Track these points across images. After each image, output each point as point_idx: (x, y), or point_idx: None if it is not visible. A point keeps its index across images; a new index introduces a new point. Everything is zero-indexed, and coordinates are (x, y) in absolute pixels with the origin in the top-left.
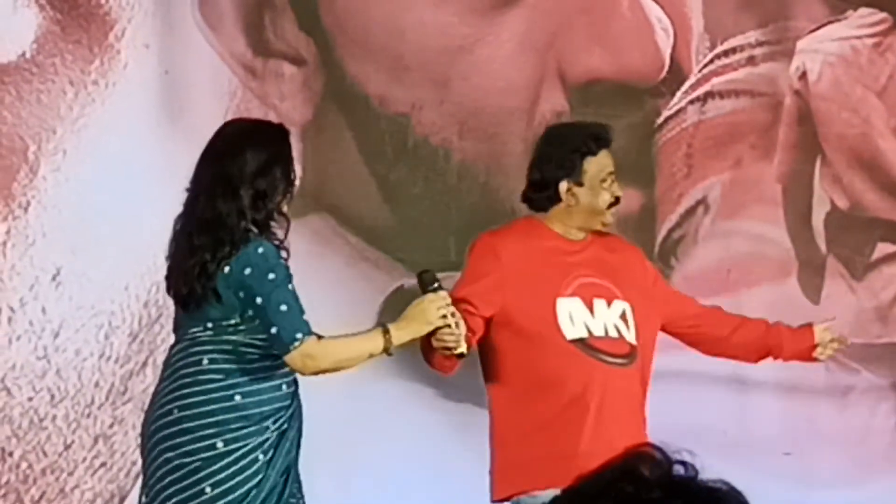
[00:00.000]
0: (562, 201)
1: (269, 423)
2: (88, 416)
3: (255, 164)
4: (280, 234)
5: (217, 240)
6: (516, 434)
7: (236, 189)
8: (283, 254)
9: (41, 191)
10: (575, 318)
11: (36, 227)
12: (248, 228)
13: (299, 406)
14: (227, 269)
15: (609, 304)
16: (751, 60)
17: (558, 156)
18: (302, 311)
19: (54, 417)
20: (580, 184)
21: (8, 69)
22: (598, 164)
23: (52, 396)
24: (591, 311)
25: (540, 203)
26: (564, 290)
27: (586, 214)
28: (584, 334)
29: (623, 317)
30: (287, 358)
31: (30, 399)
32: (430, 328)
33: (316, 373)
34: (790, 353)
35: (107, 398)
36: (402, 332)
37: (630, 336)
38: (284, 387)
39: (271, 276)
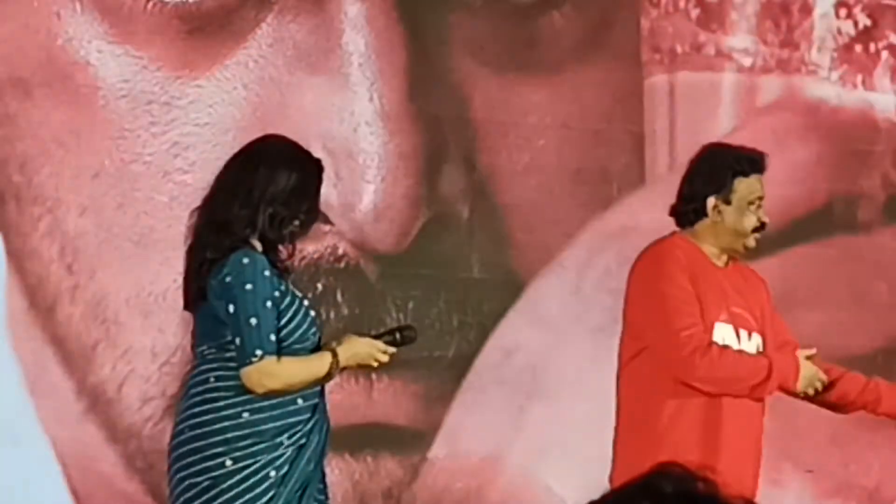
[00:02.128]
0: (707, 217)
1: (283, 438)
2: None
3: (282, 187)
4: (283, 256)
5: (220, 241)
6: (640, 436)
7: (256, 203)
8: (273, 272)
9: None
10: (727, 344)
11: None
12: (248, 240)
13: (322, 420)
14: (216, 274)
15: (749, 335)
16: None
17: (710, 172)
18: (272, 330)
19: None
20: (728, 202)
21: None
22: (748, 186)
23: None
24: (738, 340)
25: (686, 217)
26: (720, 314)
27: (730, 235)
28: None
29: (758, 350)
30: (243, 371)
31: None
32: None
33: (267, 392)
34: (886, 409)
35: None
36: (346, 362)
37: None
38: (301, 400)
39: (248, 286)
